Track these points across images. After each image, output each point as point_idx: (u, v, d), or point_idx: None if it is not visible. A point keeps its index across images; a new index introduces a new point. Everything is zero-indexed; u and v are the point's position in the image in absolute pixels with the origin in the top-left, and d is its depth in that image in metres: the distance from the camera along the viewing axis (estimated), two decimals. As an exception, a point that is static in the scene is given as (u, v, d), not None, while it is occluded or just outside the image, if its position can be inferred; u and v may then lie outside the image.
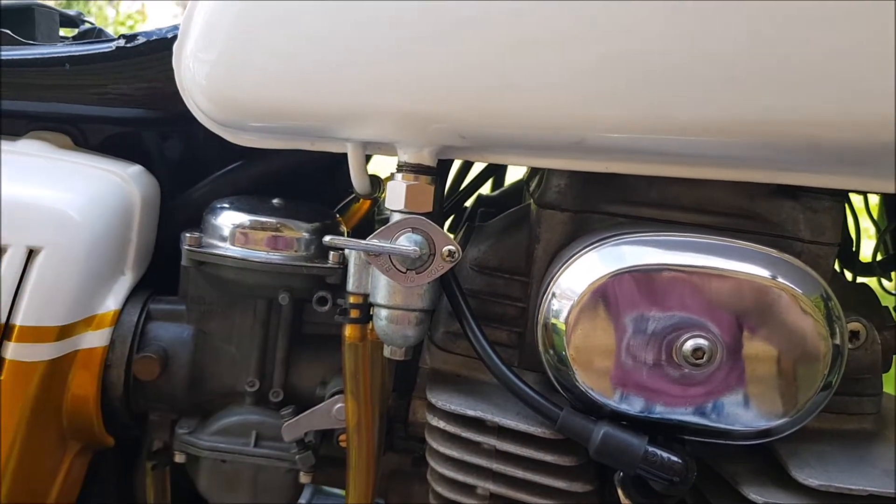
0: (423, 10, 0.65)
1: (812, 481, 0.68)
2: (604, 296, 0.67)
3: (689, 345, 0.66)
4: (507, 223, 0.86)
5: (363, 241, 0.71)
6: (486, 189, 1.24)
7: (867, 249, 1.06)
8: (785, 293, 0.66)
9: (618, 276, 0.67)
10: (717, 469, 0.74)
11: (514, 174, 1.27)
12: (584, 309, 0.68)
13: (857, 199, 1.03)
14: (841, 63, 0.59)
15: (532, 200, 0.82)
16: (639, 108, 0.64)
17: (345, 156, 0.77)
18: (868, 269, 1.00)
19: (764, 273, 0.66)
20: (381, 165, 0.89)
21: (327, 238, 0.72)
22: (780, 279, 0.66)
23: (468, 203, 1.20)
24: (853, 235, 0.99)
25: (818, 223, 0.74)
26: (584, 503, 0.76)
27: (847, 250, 0.99)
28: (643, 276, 0.67)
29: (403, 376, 0.88)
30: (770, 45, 0.60)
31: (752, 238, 0.72)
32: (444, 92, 0.67)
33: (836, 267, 0.89)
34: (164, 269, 0.94)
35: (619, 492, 0.71)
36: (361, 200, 0.94)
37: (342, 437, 0.86)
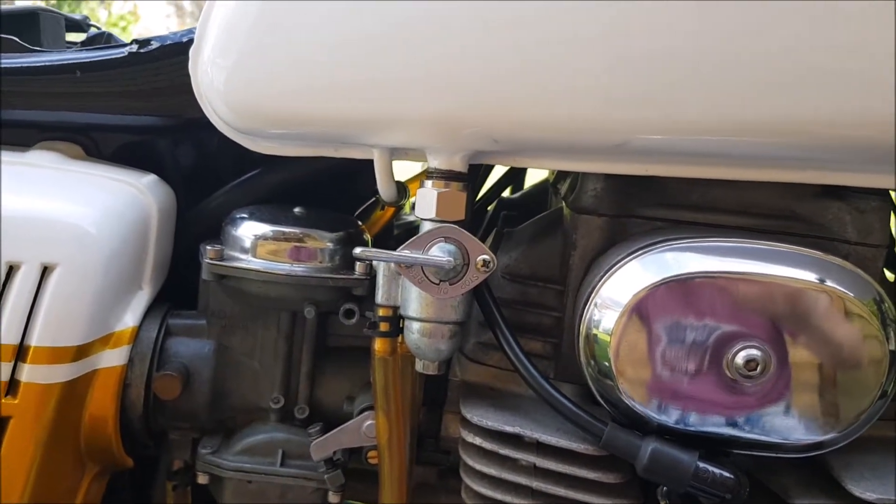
0: (456, 12, 0.62)
1: (870, 495, 0.65)
2: (649, 306, 0.65)
3: (742, 356, 0.63)
4: (538, 229, 0.83)
5: (395, 253, 0.68)
6: (506, 191, 1.21)
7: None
8: (836, 297, 0.63)
9: (663, 285, 0.64)
10: (765, 481, 0.72)
11: (535, 175, 1.25)
12: (629, 320, 0.65)
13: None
14: (886, 62, 0.56)
15: (565, 205, 0.79)
16: (681, 109, 0.61)
17: (366, 161, 0.74)
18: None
19: (813, 277, 0.64)
20: (403, 168, 0.86)
21: (357, 250, 0.69)
22: (829, 283, 0.63)
23: (489, 207, 1.18)
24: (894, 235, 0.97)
25: (865, 224, 0.72)
26: (628, 521, 0.73)
27: (891, 252, 0.96)
28: (689, 285, 0.64)
29: (434, 389, 0.85)
30: (815, 43, 0.57)
31: (797, 240, 0.69)
32: (479, 95, 0.64)
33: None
34: (181, 281, 0.91)
35: (664, 508, 0.69)
36: (386, 207, 0.91)
37: (371, 453, 0.83)
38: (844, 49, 0.57)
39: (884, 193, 0.72)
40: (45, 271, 0.77)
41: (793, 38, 0.57)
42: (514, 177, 1.17)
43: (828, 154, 0.65)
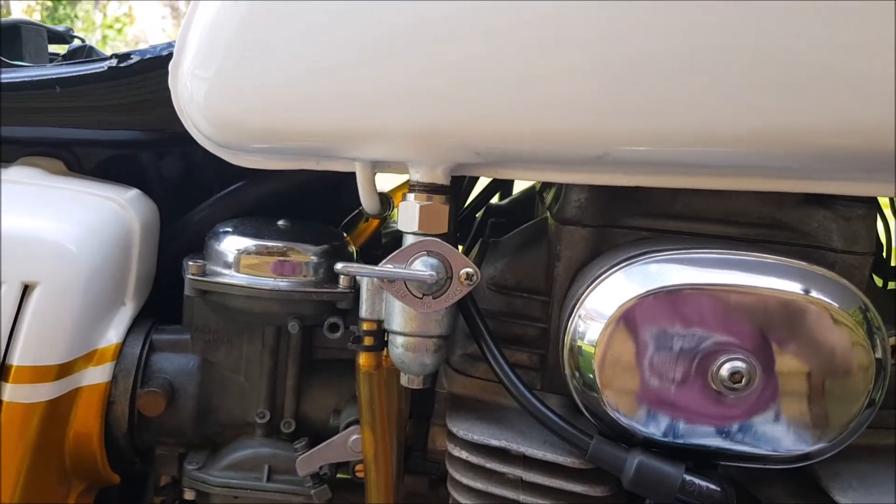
0: (436, 25, 0.62)
1: (857, 505, 0.65)
2: (633, 318, 0.64)
3: (727, 368, 0.63)
4: (523, 239, 0.82)
5: (376, 268, 0.68)
6: (494, 198, 1.20)
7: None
8: (821, 308, 0.62)
9: (647, 297, 0.64)
10: (754, 492, 0.71)
11: (523, 182, 1.24)
12: (613, 332, 0.64)
13: (885, 200, 1.00)
14: (869, 70, 0.56)
15: (549, 215, 0.79)
16: (664, 120, 0.61)
17: (350, 173, 0.73)
18: (897, 274, 0.97)
19: (798, 288, 0.63)
20: (386, 179, 0.86)
21: (339, 265, 0.68)
22: (814, 293, 0.63)
23: (477, 215, 1.17)
24: (882, 240, 0.97)
25: (852, 232, 0.71)
26: (616, 533, 0.73)
27: (877, 255, 0.96)
28: (674, 297, 0.64)
29: (420, 402, 0.85)
30: (798, 53, 0.57)
31: (783, 249, 0.69)
32: (460, 108, 0.63)
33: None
34: (165, 295, 0.91)
35: (652, 520, 0.68)
36: (370, 219, 0.91)
37: (359, 467, 0.83)
38: (829, 58, 0.56)
39: (869, 201, 0.71)
40: (26, 290, 0.76)
41: (775, 48, 0.57)
42: (502, 184, 1.16)
43: (812, 163, 0.64)
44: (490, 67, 0.61)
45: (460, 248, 1.02)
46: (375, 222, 0.92)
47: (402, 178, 0.79)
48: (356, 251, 0.89)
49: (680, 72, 0.59)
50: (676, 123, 0.61)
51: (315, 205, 0.94)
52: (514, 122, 0.63)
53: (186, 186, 1.00)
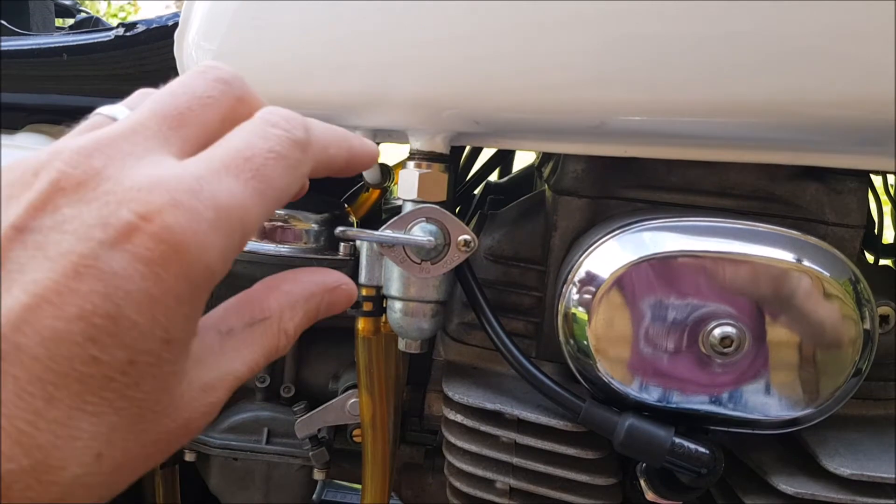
0: (436, -7, 0.63)
1: (844, 470, 0.66)
2: (626, 284, 0.65)
3: (717, 333, 0.64)
4: (521, 211, 0.84)
5: (376, 233, 0.69)
6: (493, 176, 1.22)
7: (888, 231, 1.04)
8: (811, 277, 0.63)
9: (640, 263, 0.65)
10: (742, 458, 0.73)
11: (522, 160, 1.25)
12: (606, 298, 0.66)
13: (876, 180, 1.01)
14: (863, 40, 0.57)
15: (547, 187, 0.80)
16: (659, 90, 0.62)
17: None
18: (890, 252, 0.98)
19: (789, 257, 0.64)
20: (390, 153, 0.87)
21: (339, 229, 0.70)
22: (805, 262, 0.64)
23: (476, 191, 1.18)
24: (874, 218, 0.98)
25: (843, 205, 0.72)
26: (607, 496, 0.74)
27: (868, 232, 0.97)
28: (666, 264, 0.65)
29: (418, 369, 0.86)
30: (792, 22, 0.57)
31: (776, 221, 0.70)
32: (459, 77, 0.64)
33: (858, 249, 0.87)
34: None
35: (643, 483, 0.70)
36: (371, 190, 0.92)
37: (356, 431, 0.84)
38: (825, 28, 0.57)
39: (861, 174, 0.72)
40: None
41: (772, 17, 0.57)
42: (501, 160, 1.17)
43: (806, 135, 0.65)
44: (488, 37, 0.62)
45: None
46: (376, 193, 0.93)
47: (405, 154, 0.80)
48: (356, 222, 0.90)
49: (674, 42, 0.59)
50: (671, 94, 0.61)
51: (318, 178, 0.95)
52: (512, 92, 0.64)
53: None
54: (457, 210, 1.16)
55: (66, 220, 0.30)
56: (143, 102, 0.37)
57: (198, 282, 0.31)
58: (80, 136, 0.34)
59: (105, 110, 0.39)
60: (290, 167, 0.36)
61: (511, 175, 1.21)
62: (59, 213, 0.30)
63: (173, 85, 0.37)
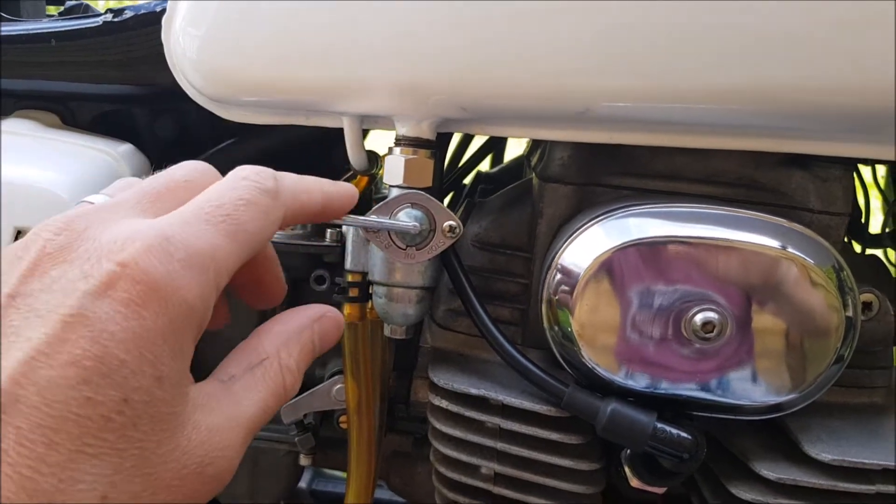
0: (420, -24, 0.63)
1: (825, 456, 0.66)
2: (609, 270, 0.65)
3: (699, 318, 0.64)
4: (508, 198, 0.84)
5: (360, 218, 0.69)
6: (485, 165, 1.22)
7: (875, 221, 1.04)
8: (795, 264, 0.64)
9: (623, 249, 0.65)
10: (726, 444, 0.73)
11: (514, 151, 1.25)
12: (589, 284, 0.66)
13: (865, 171, 1.01)
14: (847, 28, 0.57)
15: (534, 174, 0.80)
16: (644, 76, 0.62)
17: (342, 130, 0.74)
18: (877, 241, 0.98)
19: (773, 243, 0.64)
20: (380, 141, 0.87)
21: (324, 215, 0.70)
22: (790, 249, 0.64)
23: (467, 180, 1.18)
24: (861, 207, 0.98)
25: (828, 193, 0.73)
26: (590, 482, 0.75)
27: (856, 222, 0.97)
28: (649, 249, 0.65)
29: (404, 355, 0.86)
30: (777, 8, 0.57)
31: (761, 209, 0.70)
32: (444, 62, 0.65)
33: (845, 239, 0.88)
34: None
35: (627, 469, 0.70)
36: (359, 177, 0.92)
37: (342, 418, 0.84)
38: (810, 15, 0.57)
39: (846, 162, 0.72)
40: (19, 234, 0.78)
41: (757, 3, 0.57)
42: (491, 149, 1.17)
43: (791, 122, 0.65)
44: (474, 23, 0.62)
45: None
46: (364, 181, 0.92)
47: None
48: (344, 209, 0.90)
49: (659, 28, 0.59)
50: (656, 80, 0.62)
51: (306, 164, 0.95)
52: (497, 78, 0.64)
53: (180, 144, 1.01)
54: (448, 198, 1.17)
55: (54, 280, 0.33)
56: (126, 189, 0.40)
57: (178, 318, 0.34)
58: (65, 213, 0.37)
59: (89, 197, 0.42)
60: (261, 212, 0.39)
61: (502, 164, 1.21)
62: (46, 276, 0.33)
63: (154, 175, 0.41)
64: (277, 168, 0.86)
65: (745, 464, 0.70)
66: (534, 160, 0.85)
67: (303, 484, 1.31)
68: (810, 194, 0.73)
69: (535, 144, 0.90)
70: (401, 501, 1.32)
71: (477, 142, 1.15)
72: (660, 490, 0.70)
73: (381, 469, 0.93)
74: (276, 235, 0.79)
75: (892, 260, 1.05)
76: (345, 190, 0.51)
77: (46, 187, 0.80)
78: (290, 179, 0.45)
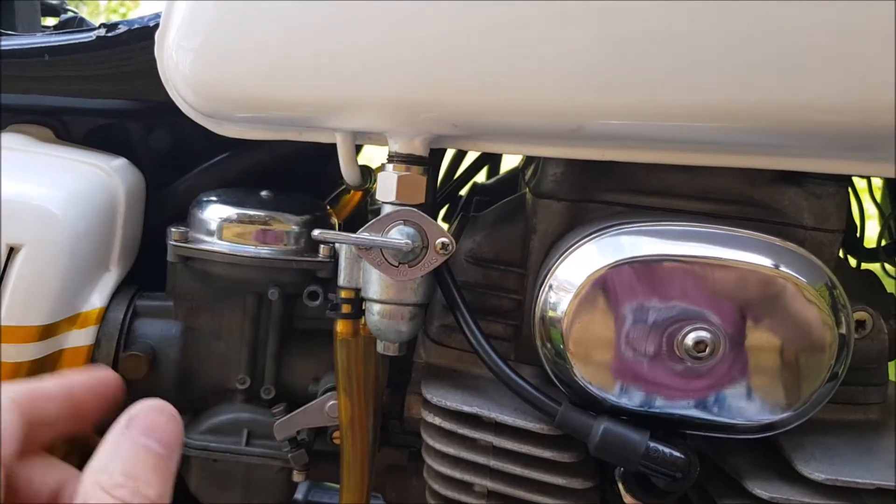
0: (413, -4, 0.63)
1: (818, 475, 0.66)
2: (602, 288, 0.65)
3: (691, 338, 0.64)
4: (501, 213, 0.84)
5: (353, 235, 0.69)
6: (481, 177, 1.22)
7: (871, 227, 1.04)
8: (788, 283, 0.64)
9: (617, 267, 0.65)
10: (719, 463, 0.73)
11: (510, 162, 1.25)
12: (582, 301, 0.66)
13: (861, 183, 1.01)
14: (842, 46, 0.57)
15: (528, 189, 0.80)
16: (637, 94, 0.62)
17: (335, 145, 0.74)
18: (872, 255, 0.98)
19: (766, 262, 0.64)
20: (374, 155, 0.86)
21: (316, 232, 0.70)
22: (782, 268, 0.64)
23: (462, 192, 1.18)
24: (857, 221, 0.98)
25: (822, 209, 0.72)
26: (584, 499, 0.74)
27: (851, 236, 0.97)
28: (643, 267, 0.65)
29: (398, 371, 0.86)
30: (770, 27, 0.57)
31: (755, 226, 0.70)
32: (435, 80, 0.64)
33: (840, 253, 0.88)
34: (150, 264, 0.92)
35: (620, 487, 0.70)
36: (352, 191, 0.92)
37: (336, 434, 0.84)
38: (807, 33, 0.57)
39: (840, 179, 0.72)
40: (11, 252, 0.77)
41: (753, 21, 0.57)
42: (486, 161, 1.17)
43: (785, 139, 0.65)
44: (465, 40, 0.62)
45: (445, 225, 1.03)
46: (357, 195, 0.93)
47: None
48: (339, 224, 0.90)
49: (653, 46, 0.59)
50: (649, 98, 0.62)
51: (300, 179, 0.95)
52: (488, 95, 0.64)
53: (174, 159, 1.01)
54: (443, 211, 1.17)
55: None
56: None
57: None
58: None
59: None
60: None
61: (498, 176, 1.21)
62: None
63: None
64: (271, 183, 0.87)
65: (738, 482, 0.70)
66: (528, 175, 0.85)
67: (299, 495, 1.31)
68: (804, 211, 0.73)
69: (529, 159, 0.90)
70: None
71: (472, 154, 1.15)
72: (653, 508, 0.70)
73: (376, 482, 0.93)
74: (266, 251, 0.80)
75: (892, 272, 1.05)
76: (100, 390, 0.43)
77: (40, 203, 0.79)
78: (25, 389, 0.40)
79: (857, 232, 0.98)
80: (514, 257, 0.80)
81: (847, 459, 0.69)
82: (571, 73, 0.62)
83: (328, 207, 0.90)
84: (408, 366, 0.85)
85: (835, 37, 0.57)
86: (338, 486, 1.37)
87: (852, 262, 0.98)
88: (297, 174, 0.95)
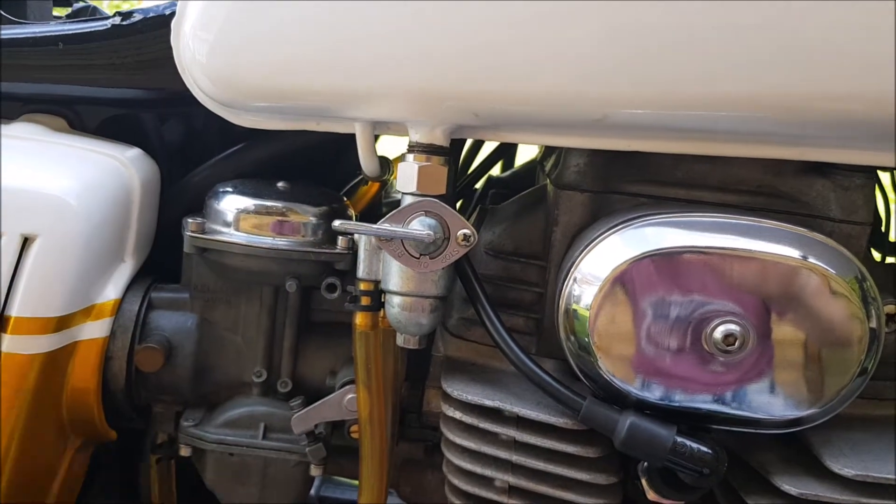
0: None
1: (848, 471, 0.65)
2: (628, 281, 0.64)
3: (720, 331, 0.63)
4: (522, 205, 0.83)
5: (374, 226, 0.68)
6: (496, 170, 1.20)
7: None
8: (817, 274, 0.62)
9: (643, 259, 0.64)
10: (745, 458, 0.72)
11: (525, 154, 1.24)
12: (607, 294, 0.65)
13: (885, 177, 1.00)
14: (868, 35, 0.56)
15: (549, 181, 0.79)
16: (663, 83, 0.61)
17: (352, 136, 0.73)
18: (896, 249, 0.97)
19: (795, 254, 0.63)
20: (390, 146, 0.85)
21: (337, 223, 0.69)
22: (812, 259, 0.63)
23: (478, 185, 1.17)
24: (881, 215, 0.96)
25: (850, 201, 0.71)
26: (608, 495, 0.73)
27: (876, 230, 0.96)
28: (669, 260, 0.64)
29: (416, 364, 0.85)
30: (797, 16, 0.56)
31: (781, 218, 0.69)
32: (458, 69, 0.63)
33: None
34: (165, 256, 0.91)
35: (644, 482, 0.69)
36: (370, 183, 0.91)
37: (353, 427, 0.83)
38: (831, 23, 0.56)
39: (868, 171, 0.71)
40: (26, 242, 0.76)
41: (777, 10, 0.56)
42: (502, 154, 1.16)
43: (812, 130, 0.64)
44: (488, 29, 0.61)
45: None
46: (375, 187, 0.91)
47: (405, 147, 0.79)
48: (356, 216, 0.89)
49: (679, 35, 0.58)
50: (675, 87, 0.61)
51: (315, 171, 0.94)
52: (511, 85, 0.63)
53: (188, 149, 1.00)
54: (459, 204, 1.15)
55: None
56: None
57: None
58: None
59: None
60: None
61: (513, 169, 1.20)
62: None
63: None
64: (288, 175, 0.86)
65: (764, 478, 0.69)
66: (548, 166, 0.84)
67: (311, 491, 1.30)
68: (831, 203, 0.72)
69: (549, 150, 0.89)
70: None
71: (488, 147, 1.14)
72: (677, 504, 0.69)
73: (391, 477, 0.92)
74: (283, 242, 0.79)
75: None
76: None
77: (55, 193, 0.78)
78: None
79: (881, 226, 0.96)
80: (536, 249, 0.79)
81: (876, 455, 0.68)
82: (596, 62, 0.61)
83: (345, 199, 0.89)
84: (426, 359, 0.84)
85: (860, 25, 0.56)
86: (349, 480, 1.36)
87: (876, 256, 0.97)
88: (311, 165, 0.94)
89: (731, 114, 0.63)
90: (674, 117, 0.64)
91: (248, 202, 0.81)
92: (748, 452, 0.71)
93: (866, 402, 0.74)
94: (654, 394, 0.66)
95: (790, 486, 0.66)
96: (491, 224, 0.82)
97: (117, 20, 0.84)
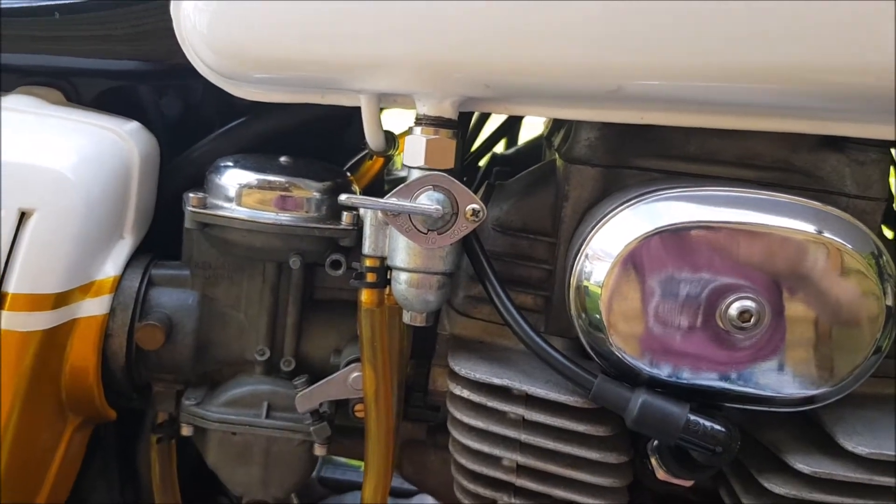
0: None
1: (862, 449, 0.64)
2: (641, 256, 0.63)
3: (735, 307, 0.62)
4: (530, 181, 0.81)
5: (381, 200, 0.67)
6: (499, 148, 1.19)
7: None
8: (833, 249, 0.61)
9: (655, 235, 0.63)
10: (756, 436, 0.71)
11: (529, 132, 1.23)
12: (619, 271, 0.63)
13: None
14: (886, 7, 0.54)
15: (558, 156, 0.78)
16: (678, 53, 0.59)
17: (356, 110, 0.71)
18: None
19: (811, 228, 0.62)
20: (394, 120, 0.84)
21: (343, 197, 0.67)
22: (827, 234, 0.62)
23: (481, 163, 1.16)
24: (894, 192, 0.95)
25: (865, 177, 0.70)
26: (618, 474, 0.72)
27: (888, 207, 0.95)
28: (682, 235, 0.63)
29: (422, 343, 0.84)
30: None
31: (796, 193, 0.67)
32: (469, 37, 0.62)
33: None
34: (165, 232, 0.89)
35: (653, 461, 0.68)
36: (374, 158, 0.89)
37: (358, 406, 0.82)
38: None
39: (883, 146, 0.70)
40: (23, 217, 0.75)
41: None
42: (507, 131, 1.15)
43: (827, 102, 0.63)
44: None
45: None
46: (379, 162, 0.90)
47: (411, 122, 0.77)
48: (359, 191, 0.88)
49: (693, 4, 0.57)
50: (690, 57, 0.59)
51: (318, 146, 0.92)
52: (524, 54, 0.62)
53: (187, 123, 0.98)
54: (463, 181, 1.14)
55: None
56: None
57: None
58: None
59: None
60: None
61: (518, 146, 1.19)
62: None
63: None
64: (290, 150, 0.84)
65: (776, 456, 0.68)
66: (556, 141, 0.82)
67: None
68: (846, 178, 0.71)
69: (557, 124, 0.88)
70: (412, 489, 1.30)
71: (491, 124, 1.13)
72: (687, 483, 0.68)
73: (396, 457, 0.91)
74: (287, 217, 0.77)
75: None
76: None
77: (52, 167, 0.77)
78: None
79: (894, 202, 0.95)
80: (544, 226, 0.77)
81: (889, 433, 0.67)
82: (613, 31, 0.59)
83: (348, 174, 0.87)
84: (432, 337, 0.83)
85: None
86: (351, 461, 1.36)
87: (888, 234, 0.96)
88: (313, 140, 0.92)
89: (747, 85, 0.61)
90: (690, 88, 0.63)
91: (250, 177, 0.79)
92: (758, 430, 0.71)
93: (877, 380, 0.73)
94: (665, 371, 0.65)
95: (803, 465, 0.65)
96: (498, 200, 0.80)
97: (115, -10, 0.82)
